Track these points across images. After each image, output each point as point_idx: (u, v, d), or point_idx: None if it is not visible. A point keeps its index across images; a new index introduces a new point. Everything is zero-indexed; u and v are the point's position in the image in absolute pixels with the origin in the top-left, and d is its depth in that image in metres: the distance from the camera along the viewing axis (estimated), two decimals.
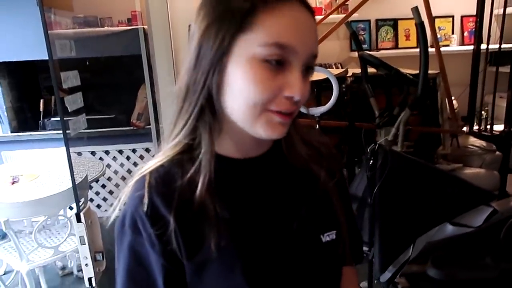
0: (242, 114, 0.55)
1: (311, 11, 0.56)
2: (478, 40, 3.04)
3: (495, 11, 3.01)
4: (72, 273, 2.48)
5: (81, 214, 1.51)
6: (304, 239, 0.62)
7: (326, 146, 0.70)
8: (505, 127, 2.76)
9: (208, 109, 0.56)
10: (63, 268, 2.51)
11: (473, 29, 3.43)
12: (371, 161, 1.63)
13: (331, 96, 1.82)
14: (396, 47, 3.59)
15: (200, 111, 0.56)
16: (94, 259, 1.51)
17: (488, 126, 3.08)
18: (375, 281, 1.69)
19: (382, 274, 1.64)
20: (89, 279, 1.56)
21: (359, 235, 0.76)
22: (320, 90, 2.32)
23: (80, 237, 1.49)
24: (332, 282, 0.66)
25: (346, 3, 3.03)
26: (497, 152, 2.53)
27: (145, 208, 0.56)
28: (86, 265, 1.51)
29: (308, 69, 0.56)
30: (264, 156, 0.63)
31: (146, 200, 0.56)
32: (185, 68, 0.57)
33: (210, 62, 0.53)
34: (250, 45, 0.52)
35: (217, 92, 0.55)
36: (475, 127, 3.12)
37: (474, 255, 1.67)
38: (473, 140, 2.65)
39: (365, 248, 1.65)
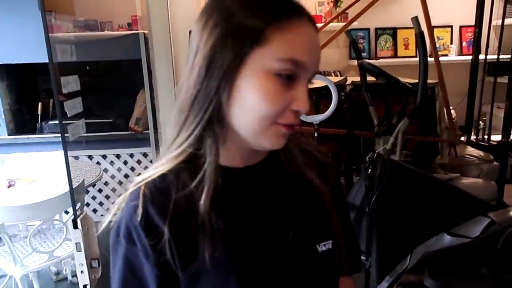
0: (249, 126, 0.55)
1: (317, 28, 0.57)
2: (476, 50, 3.06)
3: (494, 22, 3.03)
4: (66, 278, 2.46)
5: (78, 220, 1.50)
6: (300, 249, 0.61)
7: (323, 154, 0.70)
8: (502, 137, 2.77)
9: (216, 119, 0.56)
10: (58, 273, 2.49)
11: (472, 39, 3.45)
12: (370, 170, 1.63)
13: (330, 104, 1.82)
14: (395, 56, 3.61)
15: (208, 120, 0.56)
16: (90, 266, 1.50)
17: (486, 136, 3.10)
18: None
19: (379, 284, 1.63)
20: (84, 286, 1.54)
21: (356, 244, 0.76)
22: (319, 98, 2.32)
23: (76, 243, 1.48)
24: None
25: (346, 11, 3.05)
26: (495, 162, 2.54)
27: (139, 218, 0.56)
28: (82, 272, 1.49)
29: (307, 83, 0.57)
30: (261, 164, 0.63)
31: (140, 210, 0.56)
32: (193, 79, 0.56)
33: (223, 73, 0.53)
34: (265, 59, 0.52)
35: (226, 102, 0.55)
36: (473, 137, 3.13)
37: (471, 266, 1.66)
38: (470, 150, 2.66)
39: (362, 258, 1.64)
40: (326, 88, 1.89)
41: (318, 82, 2.08)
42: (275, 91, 0.53)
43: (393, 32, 3.58)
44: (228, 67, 0.53)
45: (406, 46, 3.60)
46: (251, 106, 0.54)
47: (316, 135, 1.96)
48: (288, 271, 0.60)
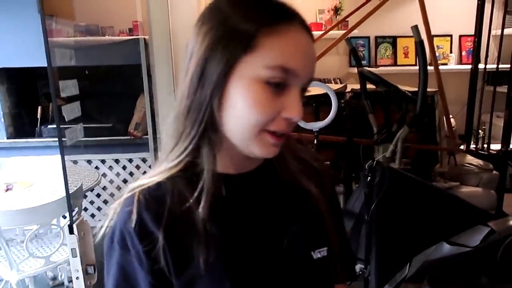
0: (240, 133, 0.55)
1: (312, 35, 0.56)
2: (476, 60, 3.07)
3: (493, 32, 3.05)
4: (63, 283, 2.44)
5: (74, 225, 1.48)
6: (294, 256, 0.61)
7: (319, 162, 0.70)
8: (502, 146, 2.77)
9: (210, 128, 0.56)
10: (54, 278, 2.47)
11: (471, 49, 3.47)
12: (369, 178, 1.62)
13: (330, 111, 1.82)
14: (394, 64, 3.62)
15: (204, 129, 0.56)
16: (85, 272, 1.48)
17: (485, 145, 3.10)
18: None
19: None
20: None
21: (351, 252, 0.76)
22: (318, 105, 2.32)
23: (72, 249, 1.46)
24: None
25: (346, 19, 3.06)
26: (494, 171, 2.54)
27: (133, 224, 0.55)
28: (77, 278, 1.48)
29: (303, 90, 0.56)
30: (256, 171, 0.63)
31: (134, 217, 0.56)
32: (186, 86, 0.56)
33: (215, 81, 0.53)
34: (254, 66, 0.52)
35: (217, 109, 0.55)
36: (472, 146, 3.13)
37: (470, 275, 1.65)
38: (470, 158, 2.66)
39: (361, 266, 1.63)
40: (325, 95, 1.89)
41: (317, 90, 2.08)
42: (265, 99, 0.52)
43: (393, 40, 3.60)
44: (219, 75, 0.52)
45: (406, 55, 3.61)
46: (240, 114, 0.53)
47: (315, 142, 1.96)
48: (282, 277, 0.60)
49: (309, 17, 3.44)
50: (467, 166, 2.51)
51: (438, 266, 1.57)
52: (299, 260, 0.61)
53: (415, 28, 1.81)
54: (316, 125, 1.89)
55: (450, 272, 1.64)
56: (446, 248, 1.53)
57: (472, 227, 1.60)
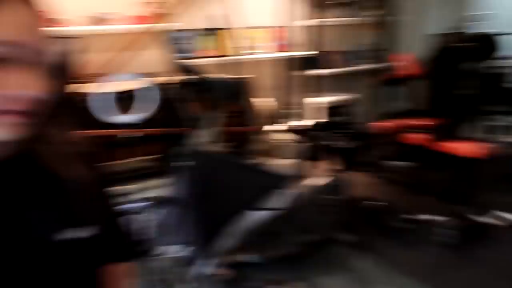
0: None
1: (30, 6, 0.52)
2: (287, 49, 3.53)
3: (303, 23, 3.55)
4: None
5: None
6: (45, 241, 0.58)
7: (85, 145, 0.69)
8: (309, 123, 3.28)
9: None
10: None
11: (283, 39, 3.95)
12: (188, 163, 1.73)
13: (150, 104, 1.86)
14: (215, 55, 3.82)
15: None
16: None
17: (296, 122, 3.62)
18: (196, 276, 1.76)
19: (202, 268, 1.75)
20: None
21: (123, 232, 0.76)
22: (136, 98, 2.33)
23: None
24: (88, 281, 0.65)
25: (169, 12, 3.12)
26: (304, 144, 2.99)
27: None
28: None
29: (36, 65, 0.52)
30: (12, 160, 0.57)
31: None
32: None
33: None
34: None
35: None
36: (285, 124, 3.62)
37: (284, 233, 1.94)
38: (283, 135, 3.06)
39: (188, 248, 1.73)
40: (147, 88, 1.92)
41: (138, 83, 2.09)
42: None
43: (213, 32, 3.77)
44: None
45: (225, 46, 3.84)
46: None
47: (139, 136, 1.97)
48: (28, 266, 0.57)
49: (134, 10, 3.36)
50: (280, 142, 2.89)
51: (254, 233, 1.80)
52: (50, 245, 0.58)
53: (225, 18, 1.97)
54: (135, 118, 1.90)
55: (267, 235, 1.90)
56: (258, 214, 1.76)
57: (280, 192, 1.88)
